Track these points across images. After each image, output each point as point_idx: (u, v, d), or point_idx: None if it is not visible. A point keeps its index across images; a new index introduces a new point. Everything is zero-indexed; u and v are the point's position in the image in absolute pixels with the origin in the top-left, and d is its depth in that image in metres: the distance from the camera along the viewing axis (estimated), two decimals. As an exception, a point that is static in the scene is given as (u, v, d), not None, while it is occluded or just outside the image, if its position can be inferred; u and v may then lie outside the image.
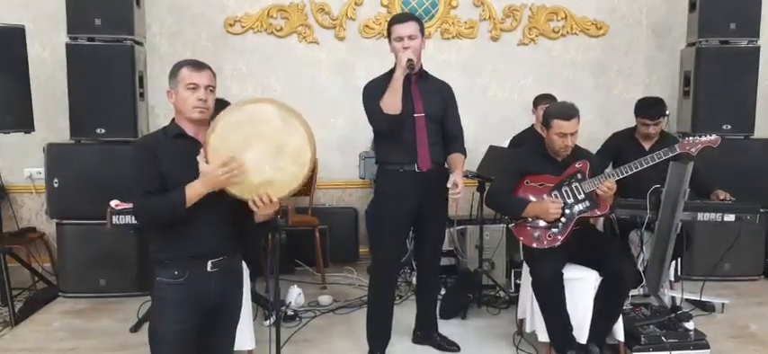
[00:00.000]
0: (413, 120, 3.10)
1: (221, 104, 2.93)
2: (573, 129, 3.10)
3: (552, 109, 3.24)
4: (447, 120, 3.23)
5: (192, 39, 5.08)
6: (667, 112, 3.86)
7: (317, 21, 5.20)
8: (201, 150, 2.14)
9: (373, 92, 3.10)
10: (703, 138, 3.21)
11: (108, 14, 4.11)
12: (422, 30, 3.09)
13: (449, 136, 3.24)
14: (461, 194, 3.06)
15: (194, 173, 2.12)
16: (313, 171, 2.28)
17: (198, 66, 2.22)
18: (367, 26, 5.22)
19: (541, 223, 3.13)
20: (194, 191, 2.11)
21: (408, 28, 3.04)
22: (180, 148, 2.20)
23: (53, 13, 4.59)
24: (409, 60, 2.98)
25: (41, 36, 4.80)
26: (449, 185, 3.05)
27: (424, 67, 3.23)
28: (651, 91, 5.12)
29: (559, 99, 3.94)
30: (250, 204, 2.16)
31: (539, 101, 4.41)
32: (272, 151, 2.17)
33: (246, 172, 2.14)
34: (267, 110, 2.20)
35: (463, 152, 3.25)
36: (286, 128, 2.18)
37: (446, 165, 3.22)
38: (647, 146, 3.87)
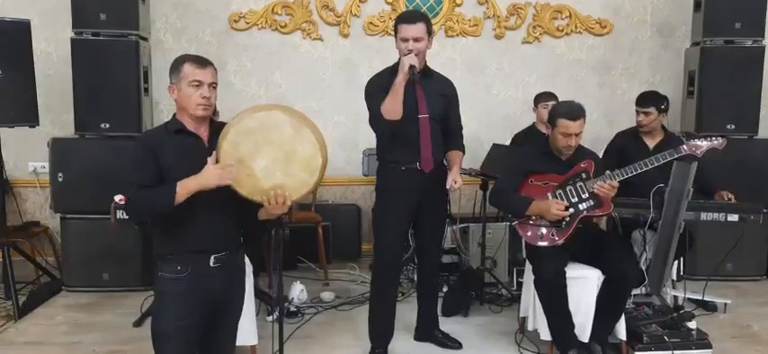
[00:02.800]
0: (417, 121, 3.09)
1: None
2: (578, 130, 3.10)
3: (559, 108, 3.24)
4: (448, 118, 3.23)
5: (196, 35, 5.09)
6: (663, 106, 3.83)
7: (322, 17, 5.20)
8: (214, 153, 2.15)
9: (374, 91, 3.07)
10: (709, 142, 3.20)
11: (113, 9, 4.13)
12: (429, 31, 3.05)
13: (449, 132, 3.25)
14: (460, 185, 3.07)
15: (194, 169, 2.13)
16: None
17: (201, 62, 2.21)
18: (371, 23, 5.22)
19: (545, 221, 3.13)
20: (186, 188, 2.10)
21: (415, 30, 2.99)
22: (180, 144, 2.21)
23: (58, 7, 4.61)
24: (411, 67, 2.92)
25: (46, 31, 4.82)
26: (448, 185, 3.06)
27: (429, 65, 3.20)
28: (655, 90, 5.11)
29: (563, 98, 3.93)
30: (263, 203, 2.17)
31: (539, 98, 4.42)
32: (282, 158, 2.17)
33: (256, 179, 2.15)
34: (279, 117, 2.20)
35: (462, 149, 3.27)
36: (297, 136, 2.19)
37: (445, 162, 3.23)
38: (651, 145, 3.86)
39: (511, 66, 5.36)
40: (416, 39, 2.99)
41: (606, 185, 3.05)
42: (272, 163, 2.17)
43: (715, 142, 3.21)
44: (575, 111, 3.11)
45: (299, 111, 2.28)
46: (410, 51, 2.97)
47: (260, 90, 5.18)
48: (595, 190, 3.07)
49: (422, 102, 3.11)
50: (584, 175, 3.14)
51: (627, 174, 3.12)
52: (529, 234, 3.17)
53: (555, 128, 3.14)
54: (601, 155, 3.84)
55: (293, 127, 2.19)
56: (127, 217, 2.46)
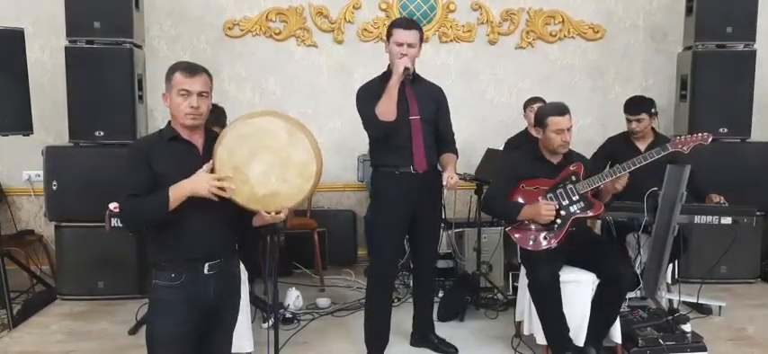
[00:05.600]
0: (408, 123, 3.13)
1: (216, 110, 2.94)
2: (568, 124, 3.13)
3: (545, 108, 3.28)
4: (439, 123, 3.27)
5: (191, 42, 5.09)
6: (653, 111, 3.86)
7: (316, 24, 5.21)
8: (211, 161, 2.14)
9: (367, 96, 3.13)
10: (695, 136, 3.23)
11: (107, 17, 4.13)
12: (421, 39, 3.15)
13: (441, 138, 3.29)
14: (456, 181, 3.08)
15: (188, 177, 2.12)
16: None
17: (191, 71, 2.19)
18: (365, 29, 5.24)
19: (537, 226, 3.14)
20: (179, 192, 2.09)
21: (410, 36, 3.08)
22: (174, 151, 2.20)
23: (52, 16, 4.60)
24: (406, 68, 3.03)
25: (41, 39, 4.82)
26: (444, 183, 3.10)
27: (422, 71, 3.28)
28: (648, 94, 5.08)
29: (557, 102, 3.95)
30: (261, 213, 2.17)
31: (528, 103, 4.45)
32: (277, 163, 2.17)
33: (251, 185, 2.15)
34: (274, 123, 2.21)
35: (455, 153, 3.30)
36: (292, 142, 2.19)
37: (439, 167, 3.25)
38: (642, 147, 3.89)
39: (504, 71, 5.37)
40: (410, 45, 3.08)
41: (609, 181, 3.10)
42: (267, 168, 2.16)
43: (700, 136, 3.23)
44: (560, 108, 3.16)
45: (295, 118, 2.29)
46: (403, 55, 3.05)
47: (254, 96, 5.19)
48: (589, 192, 3.08)
49: (412, 104, 3.16)
50: (573, 178, 3.16)
51: (617, 174, 3.14)
52: (522, 238, 3.18)
53: (546, 128, 3.16)
54: (590, 159, 3.87)
55: (288, 132, 2.20)
56: (122, 225, 2.45)
